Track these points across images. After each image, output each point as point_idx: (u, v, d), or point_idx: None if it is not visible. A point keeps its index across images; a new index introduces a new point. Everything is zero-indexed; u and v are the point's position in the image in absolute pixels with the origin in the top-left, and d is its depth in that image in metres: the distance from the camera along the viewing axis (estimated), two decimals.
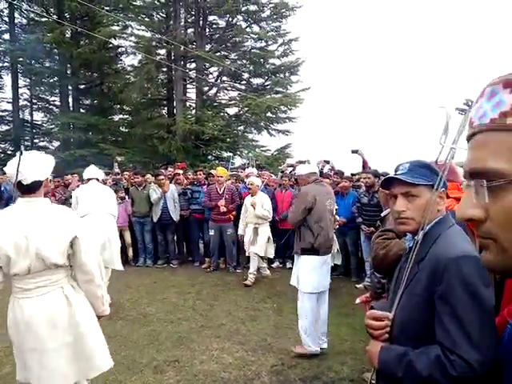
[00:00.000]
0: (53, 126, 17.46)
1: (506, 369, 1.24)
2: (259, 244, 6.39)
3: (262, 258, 6.56)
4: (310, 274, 3.81)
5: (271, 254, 6.68)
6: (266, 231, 6.51)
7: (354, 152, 7.22)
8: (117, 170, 8.33)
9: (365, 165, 7.12)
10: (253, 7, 14.63)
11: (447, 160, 1.15)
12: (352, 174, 7.44)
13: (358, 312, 4.92)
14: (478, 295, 1.13)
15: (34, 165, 2.21)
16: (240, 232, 6.71)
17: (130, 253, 7.58)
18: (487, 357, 1.10)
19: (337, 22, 44.98)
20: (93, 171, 5.27)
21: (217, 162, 13.59)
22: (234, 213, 6.98)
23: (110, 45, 14.93)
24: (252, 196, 6.47)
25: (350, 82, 38.31)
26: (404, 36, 45.70)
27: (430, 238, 1.30)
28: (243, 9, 14.57)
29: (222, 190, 6.88)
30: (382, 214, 3.69)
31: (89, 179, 5.20)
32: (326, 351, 3.97)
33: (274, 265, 7.46)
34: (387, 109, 35.38)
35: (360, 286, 6.06)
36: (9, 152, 16.30)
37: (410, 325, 1.28)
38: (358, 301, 3.19)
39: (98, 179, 5.21)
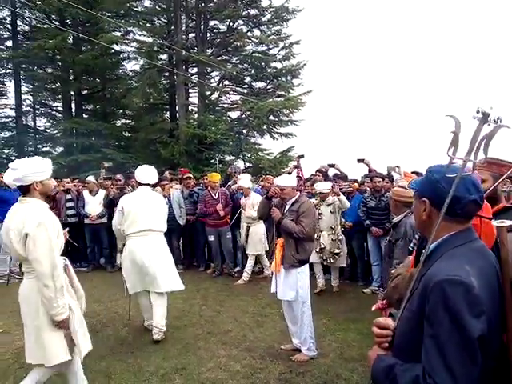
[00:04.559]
0: (56, 131, 17.53)
1: None
2: (251, 244, 6.62)
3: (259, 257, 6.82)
4: (307, 282, 3.92)
5: (259, 251, 6.69)
6: (257, 231, 6.60)
7: (359, 161, 7.05)
8: (103, 175, 8.32)
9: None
10: (253, 11, 14.68)
11: (460, 175, 1.07)
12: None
13: (366, 317, 4.86)
14: (462, 323, 1.05)
15: (12, 172, 2.58)
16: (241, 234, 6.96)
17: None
18: None
19: (338, 23, 44.82)
20: (146, 173, 4.40)
21: (220, 166, 13.56)
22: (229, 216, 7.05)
23: (112, 50, 14.96)
24: (245, 197, 6.66)
25: (353, 84, 38.14)
26: (410, 36, 45.47)
27: (436, 254, 1.26)
28: (244, 13, 14.63)
29: (217, 194, 6.88)
30: (394, 220, 3.64)
31: (140, 184, 4.42)
32: (334, 358, 3.92)
33: None
34: (393, 110, 35.05)
35: (367, 290, 5.99)
36: (12, 158, 16.32)
37: (405, 338, 1.25)
38: (374, 308, 3.13)
39: (149, 184, 4.46)
